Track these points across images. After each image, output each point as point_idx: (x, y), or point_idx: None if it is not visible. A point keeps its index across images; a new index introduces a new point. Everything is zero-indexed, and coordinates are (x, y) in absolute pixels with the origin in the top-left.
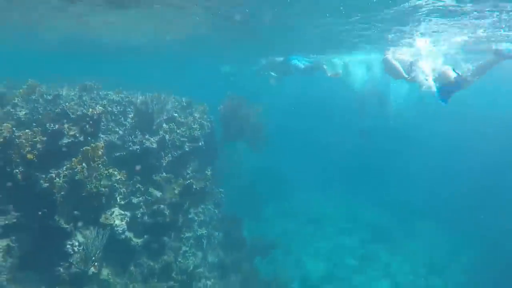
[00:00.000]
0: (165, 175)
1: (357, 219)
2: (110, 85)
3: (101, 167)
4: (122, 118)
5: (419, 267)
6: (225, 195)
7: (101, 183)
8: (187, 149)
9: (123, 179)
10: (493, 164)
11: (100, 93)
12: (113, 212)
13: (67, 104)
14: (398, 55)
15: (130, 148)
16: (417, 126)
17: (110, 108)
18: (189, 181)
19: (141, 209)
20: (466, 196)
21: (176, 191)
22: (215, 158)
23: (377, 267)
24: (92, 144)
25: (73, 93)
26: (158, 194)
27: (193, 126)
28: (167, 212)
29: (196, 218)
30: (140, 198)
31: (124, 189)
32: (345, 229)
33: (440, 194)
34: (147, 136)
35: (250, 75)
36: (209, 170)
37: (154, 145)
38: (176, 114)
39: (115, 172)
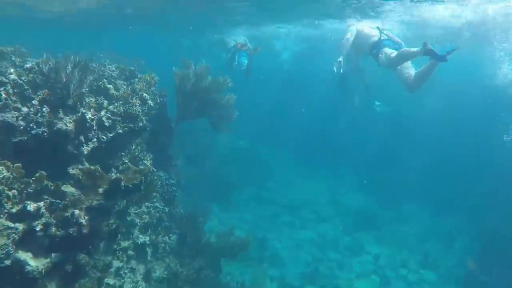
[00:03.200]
0: (86, 166)
1: (340, 204)
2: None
3: None
4: (31, 91)
5: (410, 259)
6: (185, 186)
7: None
8: (120, 131)
9: (16, 176)
10: (485, 141)
11: (17, 60)
12: None
13: None
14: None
15: (33, 132)
16: (402, 104)
17: (14, 78)
18: (116, 175)
19: (43, 218)
20: (457, 176)
21: (100, 190)
22: (168, 142)
23: (365, 260)
24: None
25: None
26: (75, 193)
27: (130, 100)
28: (83, 220)
29: (137, 221)
30: (41, 203)
31: (15, 191)
32: (328, 216)
33: (428, 175)
34: (60, 115)
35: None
36: (149, 158)
37: (70, 127)
38: (110, 86)
39: (0, 167)
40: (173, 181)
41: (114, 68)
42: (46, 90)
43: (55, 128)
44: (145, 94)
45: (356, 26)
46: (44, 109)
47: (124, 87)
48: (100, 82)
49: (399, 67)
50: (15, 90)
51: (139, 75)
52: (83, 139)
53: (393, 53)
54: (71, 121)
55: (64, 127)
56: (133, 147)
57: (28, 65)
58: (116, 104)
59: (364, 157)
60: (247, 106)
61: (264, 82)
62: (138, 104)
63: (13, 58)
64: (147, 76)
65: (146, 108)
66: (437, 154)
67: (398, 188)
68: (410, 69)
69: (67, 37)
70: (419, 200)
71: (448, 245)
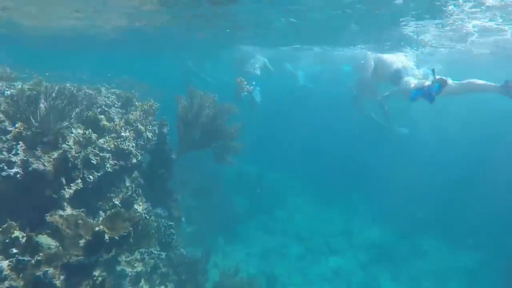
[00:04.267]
0: (68, 212)
1: (353, 236)
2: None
3: None
4: (7, 124)
5: None
6: (189, 218)
7: None
8: (109, 170)
9: None
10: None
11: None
12: None
13: None
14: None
15: (3, 174)
16: (420, 130)
17: None
18: (99, 227)
19: (6, 282)
20: (479, 207)
21: (82, 242)
22: (167, 176)
23: None
24: None
25: None
26: (52, 246)
27: (123, 133)
28: (57, 281)
29: (128, 270)
30: (4, 263)
31: None
32: (340, 249)
33: (447, 206)
34: (38, 152)
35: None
36: (142, 201)
37: (48, 166)
38: (101, 116)
39: None
40: (171, 223)
41: (109, 95)
42: (21, 124)
43: (30, 168)
44: (140, 126)
45: (377, 54)
46: (18, 146)
47: (118, 117)
48: (90, 113)
49: None
50: None
51: (136, 103)
52: (64, 181)
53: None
54: (51, 159)
55: (42, 167)
56: (127, 183)
57: (8, 92)
58: (106, 138)
59: (379, 185)
60: (254, 129)
61: (272, 105)
62: (132, 138)
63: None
64: (145, 104)
65: (142, 141)
66: (457, 183)
67: (415, 219)
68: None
69: (82, 58)
70: (437, 232)
71: (471, 284)
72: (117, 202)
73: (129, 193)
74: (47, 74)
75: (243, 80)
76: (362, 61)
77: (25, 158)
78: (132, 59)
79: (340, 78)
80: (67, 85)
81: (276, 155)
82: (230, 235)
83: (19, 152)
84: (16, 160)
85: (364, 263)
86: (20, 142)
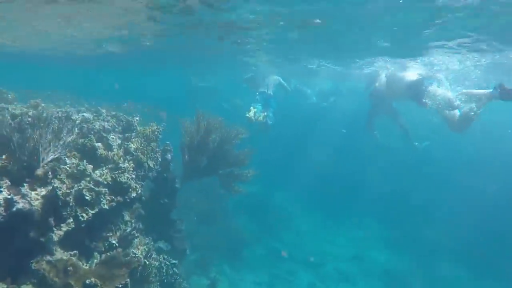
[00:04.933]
0: (56, 257)
1: (365, 261)
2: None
3: None
4: None
5: None
6: (195, 245)
7: None
8: (106, 207)
9: None
10: None
11: None
12: None
13: None
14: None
15: None
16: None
17: None
18: (90, 280)
19: None
20: (502, 232)
21: None
22: (171, 206)
23: None
24: None
25: None
26: None
27: (122, 165)
28: None
29: None
30: None
31: None
32: (352, 275)
33: (467, 230)
34: (24, 190)
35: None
36: (141, 239)
37: (36, 205)
38: (98, 144)
39: None
40: (174, 261)
41: (109, 118)
42: (6, 156)
43: (14, 208)
44: (141, 156)
45: (389, 70)
46: (2, 182)
47: (117, 144)
48: (86, 140)
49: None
50: None
51: (137, 127)
52: (53, 222)
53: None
54: (38, 197)
55: (27, 206)
56: (126, 218)
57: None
58: (103, 169)
59: (391, 206)
60: (258, 146)
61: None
62: (131, 169)
63: None
64: (148, 129)
65: (142, 172)
66: (478, 205)
67: (431, 244)
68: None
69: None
70: (456, 258)
71: None
72: (114, 241)
73: (128, 230)
74: (49, 93)
75: (254, 109)
76: (376, 73)
77: (9, 197)
78: (135, 75)
79: (352, 95)
80: (64, 109)
81: (280, 172)
82: (237, 261)
83: (2, 189)
84: None
85: None
86: (4, 178)
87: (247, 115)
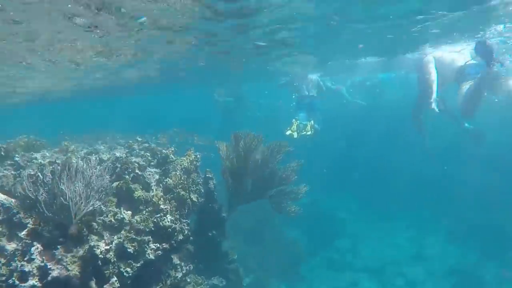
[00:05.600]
0: None
1: (429, 262)
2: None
3: None
4: (22, 216)
5: None
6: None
7: None
8: (151, 257)
9: None
10: None
11: (23, 159)
12: None
13: None
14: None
15: None
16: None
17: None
18: None
19: None
20: None
21: None
22: (220, 237)
23: None
24: None
25: None
26: None
27: (162, 206)
28: None
29: None
30: None
31: None
32: (418, 280)
33: None
34: (58, 253)
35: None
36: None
37: (74, 270)
38: (134, 186)
39: None
40: None
41: (143, 152)
42: (35, 217)
43: (49, 277)
44: (183, 192)
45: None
46: (33, 248)
47: (154, 180)
48: (121, 183)
49: None
50: (3, 216)
51: (174, 159)
52: (94, 285)
53: None
54: (75, 259)
55: (64, 272)
56: (175, 261)
57: (25, 173)
58: (144, 214)
59: (449, 196)
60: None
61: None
62: (174, 209)
63: (16, 157)
64: (185, 160)
65: (186, 210)
66: None
67: (501, 233)
68: None
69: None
70: None
71: None
72: None
73: (179, 276)
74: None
75: (296, 122)
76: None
77: (42, 264)
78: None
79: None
80: (92, 148)
81: (327, 176)
82: (295, 279)
83: (34, 257)
84: (31, 269)
85: None
86: (35, 243)
87: (287, 133)
